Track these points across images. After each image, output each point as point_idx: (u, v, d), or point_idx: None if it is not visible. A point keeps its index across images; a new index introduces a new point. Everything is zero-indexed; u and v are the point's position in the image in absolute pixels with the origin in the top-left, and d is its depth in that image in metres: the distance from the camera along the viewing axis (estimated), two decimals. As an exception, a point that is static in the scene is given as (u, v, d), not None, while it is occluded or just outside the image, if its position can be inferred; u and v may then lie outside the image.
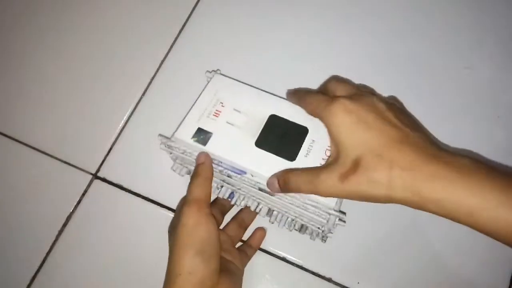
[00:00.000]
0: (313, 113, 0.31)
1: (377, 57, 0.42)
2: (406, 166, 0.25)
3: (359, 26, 0.43)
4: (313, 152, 0.31)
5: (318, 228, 0.32)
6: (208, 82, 0.36)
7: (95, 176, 0.40)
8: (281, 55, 0.42)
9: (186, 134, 0.32)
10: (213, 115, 0.33)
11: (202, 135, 0.32)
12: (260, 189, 0.31)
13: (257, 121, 0.33)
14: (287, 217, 0.34)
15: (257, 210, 0.34)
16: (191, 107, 0.34)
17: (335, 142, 0.28)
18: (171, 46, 0.44)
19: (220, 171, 0.32)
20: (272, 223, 0.34)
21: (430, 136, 0.29)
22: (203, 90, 0.35)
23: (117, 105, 0.42)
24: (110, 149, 0.41)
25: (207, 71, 0.37)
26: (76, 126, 0.42)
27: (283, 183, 0.29)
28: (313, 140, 0.32)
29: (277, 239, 0.37)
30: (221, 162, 0.32)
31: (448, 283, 0.35)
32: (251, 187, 0.32)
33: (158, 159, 0.40)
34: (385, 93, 0.39)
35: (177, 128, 0.33)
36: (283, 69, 0.42)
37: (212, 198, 0.35)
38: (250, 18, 0.44)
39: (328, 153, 0.31)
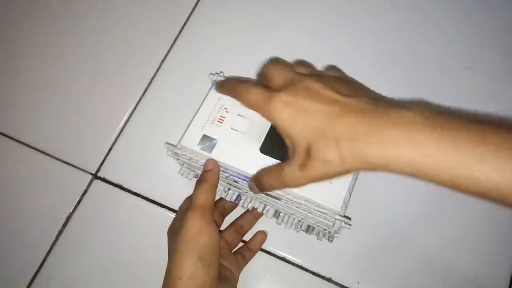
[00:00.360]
0: (252, 109, 0.30)
1: (377, 57, 0.42)
2: (350, 137, 0.25)
3: (359, 26, 0.43)
4: None
5: (325, 229, 0.32)
6: (212, 85, 0.36)
7: (95, 176, 0.40)
8: (281, 55, 0.42)
9: (191, 141, 0.33)
10: (218, 121, 0.33)
11: (207, 142, 0.33)
12: (267, 194, 0.32)
13: (261, 126, 0.33)
14: (294, 219, 0.34)
15: (264, 211, 0.34)
16: (196, 113, 0.34)
17: (284, 136, 0.29)
18: (171, 46, 0.44)
19: (227, 177, 0.33)
20: (280, 224, 0.34)
21: (370, 94, 0.29)
22: (207, 95, 0.35)
23: (117, 105, 0.42)
24: (110, 149, 0.41)
25: (211, 73, 0.37)
26: (76, 126, 0.42)
27: (258, 184, 0.30)
28: None
29: (277, 239, 0.37)
30: (227, 169, 0.32)
31: (448, 283, 0.35)
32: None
33: (158, 159, 0.40)
34: (385, 93, 0.39)
35: (183, 136, 0.33)
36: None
37: (218, 199, 0.36)
38: (250, 18, 0.44)
39: None
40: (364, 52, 0.42)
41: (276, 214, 0.34)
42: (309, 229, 0.34)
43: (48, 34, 0.45)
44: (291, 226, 0.34)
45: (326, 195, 0.30)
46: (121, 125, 0.41)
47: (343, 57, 0.42)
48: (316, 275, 0.36)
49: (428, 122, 0.23)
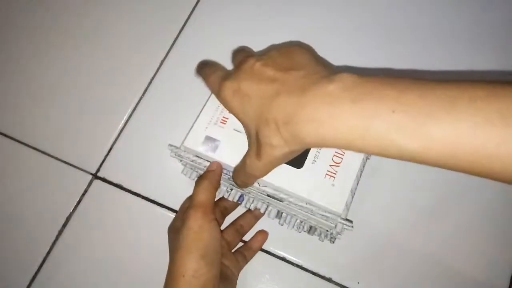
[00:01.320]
0: (213, 94, 0.31)
1: (376, 57, 0.42)
2: (285, 119, 0.24)
3: (358, 28, 0.43)
4: (321, 158, 0.31)
5: (327, 230, 0.32)
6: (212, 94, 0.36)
7: (95, 176, 0.40)
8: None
9: (194, 142, 0.33)
10: (221, 122, 0.33)
11: (210, 143, 0.32)
12: (269, 195, 0.32)
13: None
14: (296, 219, 0.34)
15: (267, 212, 0.34)
16: (198, 114, 0.34)
17: (242, 124, 0.28)
18: (171, 46, 0.44)
19: (229, 178, 0.33)
20: (282, 225, 0.35)
21: (310, 66, 0.27)
22: (209, 96, 0.34)
23: (117, 105, 0.42)
24: (110, 149, 0.41)
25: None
26: (76, 126, 0.42)
27: (237, 182, 0.31)
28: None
29: (277, 239, 0.37)
30: (230, 171, 0.32)
31: (448, 283, 0.35)
32: (260, 193, 0.32)
33: (158, 159, 0.40)
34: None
35: (186, 137, 0.33)
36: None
37: (219, 198, 0.36)
38: (250, 18, 0.44)
39: (336, 159, 0.31)
40: (364, 53, 0.42)
41: (279, 214, 0.34)
42: (311, 230, 0.34)
43: (48, 34, 0.45)
44: (293, 227, 0.34)
45: (328, 197, 0.30)
46: (121, 125, 0.41)
47: (343, 57, 0.42)
48: (316, 275, 0.36)
49: (346, 93, 0.23)
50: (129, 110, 0.42)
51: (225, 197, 0.35)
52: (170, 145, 0.34)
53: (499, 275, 0.35)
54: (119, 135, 0.41)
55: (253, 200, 0.34)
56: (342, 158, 0.31)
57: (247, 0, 0.45)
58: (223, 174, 0.33)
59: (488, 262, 0.36)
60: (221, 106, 0.34)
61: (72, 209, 0.39)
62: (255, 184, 0.31)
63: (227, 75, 0.28)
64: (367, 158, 0.33)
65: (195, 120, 0.33)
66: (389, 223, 0.37)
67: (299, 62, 0.27)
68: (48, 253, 0.38)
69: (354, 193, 0.31)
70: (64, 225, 0.39)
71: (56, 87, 0.43)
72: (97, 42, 0.44)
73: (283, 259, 0.37)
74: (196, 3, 0.45)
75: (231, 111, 0.28)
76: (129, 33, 0.45)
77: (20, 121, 0.42)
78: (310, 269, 0.36)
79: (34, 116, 0.42)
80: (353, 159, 0.31)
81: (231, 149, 0.32)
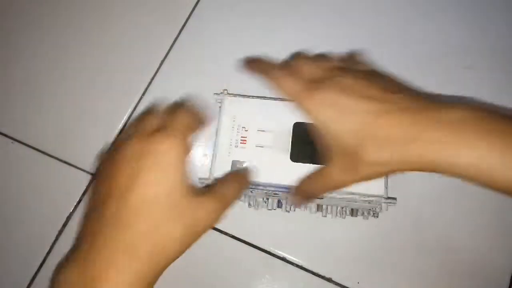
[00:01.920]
0: (288, 97, 0.29)
1: (376, 57, 0.42)
2: (402, 138, 0.24)
3: (359, 27, 0.43)
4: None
5: (369, 209, 0.34)
6: (220, 106, 0.35)
7: (95, 176, 0.40)
8: (281, 56, 0.42)
9: (223, 170, 0.33)
10: (241, 143, 0.34)
11: (238, 167, 0.33)
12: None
13: (284, 134, 0.33)
14: (337, 207, 0.35)
15: (308, 208, 0.35)
16: (216, 140, 0.34)
17: (327, 136, 0.27)
18: (171, 46, 0.44)
19: (266, 192, 0.33)
20: (325, 216, 0.35)
21: (409, 90, 0.28)
22: (219, 118, 0.34)
23: (117, 105, 0.42)
24: (110, 148, 0.41)
25: (215, 93, 0.37)
26: (76, 126, 0.42)
27: (304, 195, 0.30)
28: None
29: (277, 239, 0.37)
30: (266, 187, 0.33)
31: (448, 283, 0.35)
32: None
33: (158, 159, 0.40)
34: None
35: (211, 167, 0.33)
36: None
37: (260, 210, 0.36)
38: (250, 18, 0.44)
39: None
40: (362, 51, 0.42)
41: (319, 208, 0.35)
42: (353, 212, 0.35)
43: (48, 34, 0.45)
44: (336, 216, 0.35)
45: (366, 184, 0.29)
46: (121, 125, 0.41)
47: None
48: (316, 275, 0.36)
49: (478, 121, 0.23)
50: (129, 110, 0.42)
51: (263, 207, 0.35)
52: (200, 178, 0.33)
53: (499, 275, 0.35)
54: (119, 135, 0.41)
55: (292, 203, 0.36)
56: None
57: (247, 1, 0.45)
58: (258, 189, 0.33)
59: (488, 262, 0.36)
60: (236, 126, 0.34)
61: (72, 209, 0.39)
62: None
63: (315, 84, 0.27)
64: None
65: (214, 148, 0.33)
66: (389, 222, 0.37)
67: (398, 85, 0.28)
68: (48, 253, 0.38)
69: None
70: (64, 225, 0.39)
71: (56, 87, 0.43)
72: (97, 42, 0.44)
73: (283, 259, 0.37)
74: (196, 3, 0.45)
75: (316, 120, 0.27)
76: (129, 33, 0.45)
77: (20, 121, 0.42)
78: (310, 269, 0.36)
79: (34, 116, 0.42)
80: None
81: (260, 166, 0.33)
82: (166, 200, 0.25)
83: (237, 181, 0.31)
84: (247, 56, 0.36)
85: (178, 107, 0.32)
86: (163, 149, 0.25)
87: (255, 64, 0.33)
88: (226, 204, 0.28)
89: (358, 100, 0.26)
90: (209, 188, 0.28)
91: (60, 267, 0.25)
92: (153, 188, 0.25)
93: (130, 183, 0.25)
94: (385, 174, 0.26)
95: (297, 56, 0.31)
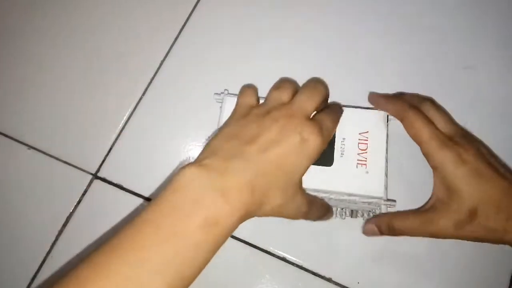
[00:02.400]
0: (415, 140, 0.31)
1: (375, 57, 0.42)
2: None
3: (358, 26, 0.43)
4: (347, 150, 0.32)
5: (369, 211, 0.34)
6: (221, 106, 0.35)
7: (95, 176, 0.40)
8: (282, 56, 0.42)
9: None
10: None
11: None
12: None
13: None
14: (337, 208, 0.35)
15: None
16: None
17: (447, 187, 0.29)
18: (171, 46, 0.44)
19: None
20: None
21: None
22: (220, 119, 0.34)
23: (117, 105, 0.42)
24: (110, 149, 0.41)
25: (216, 93, 0.36)
26: (76, 126, 0.42)
27: (387, 229, 0.31)
28: (343, 138, 0.32)
29: (277, 239, 0.37)
30: None
31: (448, 283, 0.35)
32: None
33: (158, 159, 0.40)
34: (384, 92, 0.39)
35: None
36: (285, 70, 0.42)
37: None
38: (250, 18, 0.44)
39: (362, 146, 0.32)
40: (363, 52, 0.42)
41: None
42: (353, 214, 0.35)
43: (48, 34, 0.45)
44: (335, 216, 0.35)
45: (366, 185, 0.31)
46: (121, 125, 0.41)
47: (343, 57, 0.42)
48: (316, 275, 0.36)
49: None
50: (129, 110, 0.42)
51: None
52: None
53: (499, 275, 0.35)
54: (119, 135, 0.41)
55: None
56: (367, 144, 0.32)
57: (247, 2, 0.45)
58: None
59: (488, 262, 0.36)
60: None
61: (72, 209, 0.39)
62: None
63: (452, 140, 0.30)
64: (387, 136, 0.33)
65: None
66: (389, 223, 0.37)
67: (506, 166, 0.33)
68: (48, 253, 0.38)
69: (387, 173, 0.31)
70: (64, 225, 0.39)
71: (56, 87, 0.43)
72: (97, 42, 0.44)
73: (283, 259, 0.37)
74: (196, 3, 0.45)
75: (444, 170, 0.29)
76: (129, 33, 0.45)
77: (20, 121, 0.42)
78: (310, 269, 0.36)
79: (34, 116, 0.42)
80: (377, 140, 0.32)
81: None
82: (290, 173, 0.27)
83: (319, 210, 0.32)
84: (370, 91, 0.37)
85: (327, 100, 0.34)
86: (313, 140, 0.27)
87: (388, 101, 0.34)
88: (302, 215, 0.30)
89: (489, 168, 0.29)
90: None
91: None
92: (289, 158, 0.26)
93: (273, 141, 0.26)
94: (488, 241, 0.29)
95: (426, 101, 0.34)
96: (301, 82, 0.35)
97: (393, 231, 0.31)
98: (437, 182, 0.31)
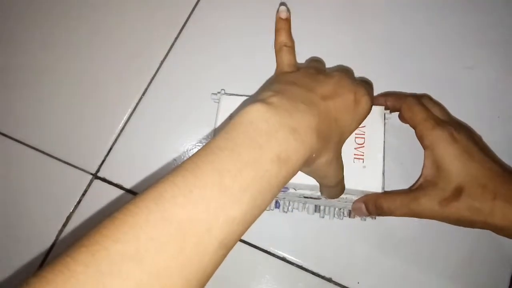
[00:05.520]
0: (411, 123, 0.32)
1: (376, 57, 0.42)
2: (509, 198, 0.27)
3: (359, 26, 0.43)
4: (344, 144, 0.31)
5: None
6: (218, 106, 0.35)
7: (95, 176, 0.40)
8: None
9: None
10: None
11: None
12: (305, 197, 0.32)
13: None
14: (335, 208, 0.35)
15: (305, 209, 0.36)
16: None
17: (437, 166, 0.30)
18: (171, 46, 0.44)
19: None
20: (323, 217, 0.36)
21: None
22: (217, 118, 0.34)
23: (117, 105, 0.42)
24: (110, 149, 0.41)
25: (213, 93, 0.36)
26: (76, 126, 0.42)
27: (374, 208, 0.31)
28: None
29: (277, 239, 0.37)
30: None
31: (448, 283, 0.35)
32: (296, 197, 0.33)
33: (158, 159, 0.40)
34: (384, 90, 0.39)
35: None
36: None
37: None
38: (250, 18, 0.44)
39: (359, 141, 0.31)
40: (364, 52, 0.42)
41: (317, 208, 0.36)
42: (351, 214, 0.35)
43: (48, 34, 0.45)
44: (334, 217, 0.35)
45: (363, 180, 0.30)
46: (121, 125, 0.41)
47: (343, 57, 0.42)
48: (316, 275, 0.36)
49: None
50: (129, 110, 0.42)
51: None
52: None
53: (499, 275, 0.35)
54: (119, 135, 0.41)
55: (289, 203, 0.36)
56: (364, 138, 0.31)
57: (247, 2, 0.45)
58: None
59: (488, 262, 0.36)
60: None
61: (72, 209, 0.39)
62: (291, 190, 0.32)
63: (444, 122, 0.31)
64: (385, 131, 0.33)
65: None
66: (389, 222, 0.37)
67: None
68: (48, 253, 0.38)
69: (384, 170, 0.31)
70: (64, 225, 0.39)
71: (56, 87, 0.43)
72: (97, 42, 0.44)
73: (283, 259, 0.37)
74: (196, 3, 0.45)
75: (434, 149, 0.30)
76: (129, 33, 0.45)
77: (20, 121, 0.42)
78: (310, 269, 0.36)
79: (34, 116, 0.42)
80: (374, 135, 0.31)
81: None
82: (343, 129, 0.27)
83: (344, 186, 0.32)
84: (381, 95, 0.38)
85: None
86: (365, 102, 0.28)
87: (388, 93, 0.37)
88: (338, 182, 0.29)
89: (478, 151, 0.29)
90: None
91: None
92: (344, 114, 0.27)
93: (330, 93, 0.26)
94: (472, 223, 0.28)
95: (424, 96, 0.35)
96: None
97: (380, 210, 0.31)
98: (427, 162, 0.30)
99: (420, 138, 0.31)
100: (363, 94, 0.27)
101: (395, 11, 0.43)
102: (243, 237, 0.37)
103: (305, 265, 0.37)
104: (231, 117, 0.33)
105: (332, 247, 0.36)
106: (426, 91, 0.39)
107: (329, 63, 0.42)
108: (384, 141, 0.31)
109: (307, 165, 0.25)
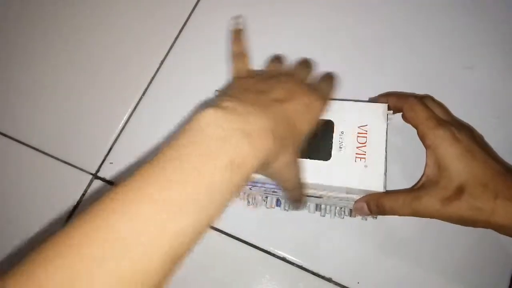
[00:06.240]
0: (414, 123, 0.32)
1: (376, 57, 0.42)
2: (510, 197, 0.28)
3: (359, 26, 0.43)
4: (345, 143, 0.31)
5: None
6: None
7: (95, 176, 0.40)
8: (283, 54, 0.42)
9: None
10: None
11: None
12: (307, 196, 0.32)
13: None
14: (336, 207, 0.35)
15: (306, 208, 0.36)
16: None
17: (438, 165, 0.30)
18: (171, 46, 0.44)
19: (265, 190, 0.33)
20: (323, 216, 0.36)
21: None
22: None
23: (117, 105, 0.42)
24: (110, 149, 0.41)
25: (216, 90, 0.36)
26: (76, 126, 0.42)
27: (376, 208, 0.31)
28: (342, 132, 0.31)
29: (277, 239, 0.37)
30: (264, 184, 0.32)
31: (448, 283, 0.35)
32: None
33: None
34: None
35: None
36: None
37: (259, 208, 0.37)
38: (251, 18, 0.44)
39: (361, 140, 0.31)
40: (364, 52, 0.42)
41: (318, 207, 0.36)
42: (352, 213, 0.35)
43: (48, 34, 0.45)
44: (334, 215, 0.36)
45: (365, 179, 0.30)
46: (121, 125, 0.41)
47: (344, 57, 0.42)
48: (316, 275, 0.36)
49: None
50: (129, 110, 0.42)
51: (263, 205, 0.36)
52: None
53: (499, 275, 0.35)
54: (119, 135, 0.41)
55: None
56: (366, 137, 0.31)
57: (247, 0, 0.45)
58: (256, 187, 0.33)
59: (488, 262, 0.36)
60: None
61: (72, 209, 0.39)
62: None
63: (446, 122, 0.31)
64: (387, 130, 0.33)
65: None
66: (389, 222, 0.37)
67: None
68: (48, 253, 0.38)
69: (386, 169, 0.31)
70: (64, 225, 0.39)
71: (56, 87, 0.43)
72: (97, 42, 0.44)
73: (283, 259, 0.37)
74: (196, 3, 0.45)
75: (436, 148, 0.30)
76: (129, 33, 0.45)
77: (20, 121, 0.42)
78: (310, 269, 0.36)
79: (34, 116, 0.42)
80: (376, 133, 0.31)
81: None
82: (299, 131, 0.28)
83: (303, 190, 0.32)
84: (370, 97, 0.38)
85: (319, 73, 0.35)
86: (317, 106, 0.29)
87: (390, 93, 0.37)
88: (295, 184, 0.30)
89: (480, 150, 0.30)
90: None
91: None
92: (298, 116, 0.27)
93: (284, 97, 0.27)
94: (473, 222, 0.28)
95: (427, 97, 0.35)
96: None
97: (382, 209, 0.31)
98: (429, 161, 0.31)
99: (422, 137, 0.31)
100: (315, 99, 0.28)
101: (395, 11, 0.43)
102: (243, 237, 0.37)
103: (305, 265, 0.37)
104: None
105: (332, 247, 0.36)
106: (426, 91, 0.39)
107: (329, 63, 0.42)
108: (386, 141, 0.31)
109: (264, 168, 0.25)
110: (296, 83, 0.29)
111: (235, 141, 0.22)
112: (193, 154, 0.21)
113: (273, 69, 0.34)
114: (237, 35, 0.36)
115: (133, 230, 0.18)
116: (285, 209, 0.36)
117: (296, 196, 0.31)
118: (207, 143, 0.21)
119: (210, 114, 0.22)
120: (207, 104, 0.24)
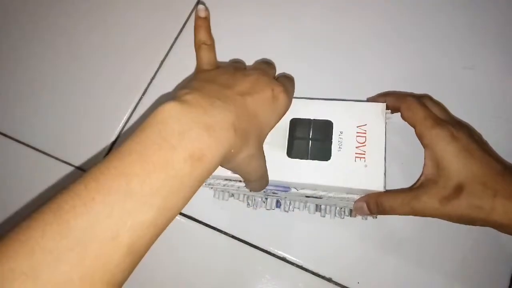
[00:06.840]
0: (412, 122, 0.32)
1: (376, 57, 0.42)
2: (509, 195, 0.28)
3: (359, 26, 0.43)
4: (345, 143, 0.31)
5: None
6: None
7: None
8: (283, 55, 0.42)
9: (221, 168, 0.32)
10: None
11: None
12: (307, 196, 0.32)
13: (281, 130, 0.32)
14: (336, 207, 0.35)
15: (306, 208, 0.36)
16: None
17: (437, 164, 0.30)
18: (171, 46, 0.44)
19: (265, 191, 0.33)
20: (324, 216, 0.36)
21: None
22: None
23: (117, 105, 0.42)
24: (110, 149, 0.41)
25: None
26: (76, 126, 0.42)
27: (376, 207, 0.31)
28: (341, 132, 0.31)
29: (277, 239, 0.37)
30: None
31: (448, 283, 0.35)
32: (298, 196, 0.33)
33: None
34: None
35: None
36: (285, 69, 0.42)
37: (260, 210, 0.37)
38: (251, 18, 0.44)
39: (360, 140, 0.31)
40: (364, 52, 0.42)
41: (318, 208, 0.35)
42: (352, 213, 0.35)
43: (48, 34, 0.45)
44: (335, 216, 0.36)
45: (366, 179, 0.30)
46: (121, 125, 0.41)
47: (344, 57, 0.42)
48: (316, 275, 0.36)
49: None
50: (129, 110, 0.42)
51: (262, 206, 0.36)
52: None
53: (499, 275, 0.35)
54: (119, 135, 0.41)
55: (290, 202, 0.36)
56: (365, 137, 0.31)
57: (247, 0, 0.45)
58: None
59: (488, 262, 0.36)
60: None
61: (72, 209, 0.39)
62: (293, 190, 0.32)
63: (443, 120, 0.31)
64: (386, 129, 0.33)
65: None
66: (389, 222, 0.37)
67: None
68: (48, 253, 0.38)
69: (386, 168, 0.31)
70: (64, 225, 0.39)
71: (56, 87, 0.43)
72: (97, 42, 0.44)
73: (283, 259, 0.37)
74: (196, 3, 0.45)
75: (435, 147, 0.30)
76: (129, 33, 0.45)
77: (20, 121, 0.42)
78: (310, 269, 0.36)
79: (34, 116, 0.42)
80: (375, 133, 0.31)
81: None
82: (263, 124, 0.28)
83: (266, 179, 0.31)
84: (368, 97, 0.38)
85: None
86: (282, 98, 0.29)
87: (388, 93, 0.37)
88: (260, 176, 0.30)
89: (479, 149, 0.29)
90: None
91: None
92: (263, 109, 0.28)
93: (248, 90, 0.27)
94: (472, 220, 0.28)
95: (425, 96, 0.35)
96: (306, 79, 0.35)
97: (381, 208, 0.31)
98: (428, 161, 0.31)
99: (420, 137, 0.31)
100: (281, 91, 0.28)
101: (395, 11, 0.43)
102: (242, 237, 0.37)
103: (305, 265, 0.37)
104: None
105: (332, 247, 0.36)
106: (426, 91, 0.39)
107: (328, 63, 0.42)
108: (385, 140, 0.31)
109: (227, 161, 0.25)
110: (261, 75, 0.29)
111: (195, 134, 0.22)
112: (153, 147, 0.21)
113: (239, 63, 0.33)
114: (201, 22, 0.34)
115: (91, 223, 0.19)
116: (285, 211, 0.36)
117: (257, 187, 0.31)
118: (167, 136, 0.21)
119: (169, 108, 0.22)
120: (168, 97, 0.24)
